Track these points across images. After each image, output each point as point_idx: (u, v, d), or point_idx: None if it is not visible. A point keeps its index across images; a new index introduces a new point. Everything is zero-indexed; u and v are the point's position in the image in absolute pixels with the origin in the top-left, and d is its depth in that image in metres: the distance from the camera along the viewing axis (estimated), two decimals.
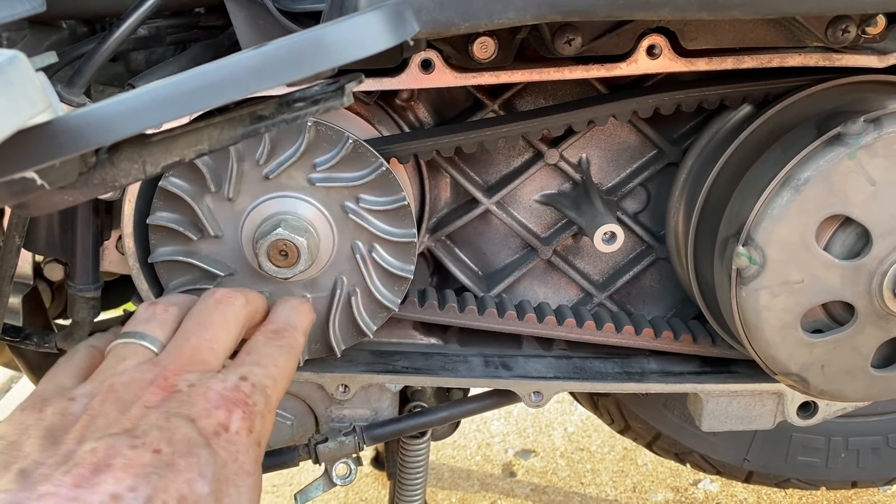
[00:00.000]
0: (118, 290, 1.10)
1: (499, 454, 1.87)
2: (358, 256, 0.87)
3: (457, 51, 0.81)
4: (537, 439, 1.92)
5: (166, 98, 0.47)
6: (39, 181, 0.46)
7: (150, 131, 0.54)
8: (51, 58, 0.67)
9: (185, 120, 0.64)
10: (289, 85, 0.58)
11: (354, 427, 0.97)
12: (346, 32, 0.49)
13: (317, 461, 0.97)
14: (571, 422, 1.96)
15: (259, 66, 0.48)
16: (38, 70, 0.45)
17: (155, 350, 0.62)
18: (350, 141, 0.82)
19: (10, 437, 0.53)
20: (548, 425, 1.96)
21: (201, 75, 0.48)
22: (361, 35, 0.49)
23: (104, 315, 1.13)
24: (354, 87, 0.54)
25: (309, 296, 0.89)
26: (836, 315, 0.85)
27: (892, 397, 0.89)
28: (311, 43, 0.49)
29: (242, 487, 0.54)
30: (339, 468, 0.98)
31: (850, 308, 0.83)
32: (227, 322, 0.65)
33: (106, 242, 0.92)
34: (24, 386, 2.15)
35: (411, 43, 0.51)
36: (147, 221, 0.84)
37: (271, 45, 0.48)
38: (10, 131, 0.42)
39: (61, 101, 0.73)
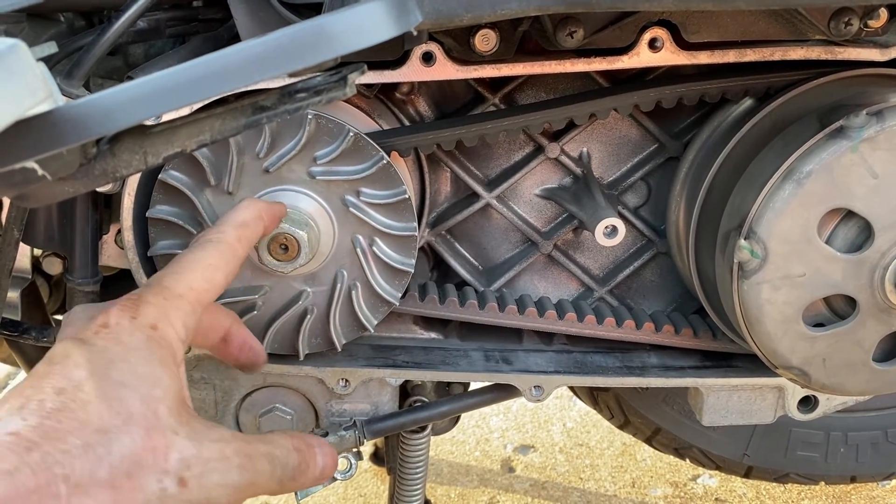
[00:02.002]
0: (117, 284, 1.09)
1: (498, 449, 1.87)
2: (358, 250, 0.86)
3: (458, 43, 0.81)
4: (536, 435, 1.92)
5: (168, 88, 0.47)
6: (40, 171, 0.45)
7: (151, 122, 0.53)
8: (51, 48, 0.67)
9: (187, 111, 0.64)
10: (291, 75, 0.58)
11: (355, 421, 0.97)
12: (349, 22, 0.49)
13: None
14: (570, 417, 1.96)
15: (262, 55, 0.48)
16: (38, 60, 0.45)
17: None
18: (351, 134, 0.82)
19: None
20: (547, 421, 1.96)
21: (203, 65, 0.47)
22: (364, 24, 0.49)
23: None
24: (357, 77, 0.53)
25: (310, 290, 0.88)
26: (838, 309, 0.85)
27: (893, 391, 0.89)
28: (314, 32, 0.48)
29: (134, 360, 0.53)
30: (340, 463, 0.97)
31: (851, 302, 0.83)
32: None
33: (105, 236, 0.92)
34: None
35: (414, 33, 0.51)
36: (147, 215, 0.84)
37: (274, 35, 0.48)
38: (11, 120, 0.41)
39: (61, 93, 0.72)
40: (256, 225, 0.69)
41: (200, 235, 0.65)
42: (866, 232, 0.80)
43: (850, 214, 0.80)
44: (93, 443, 0.48)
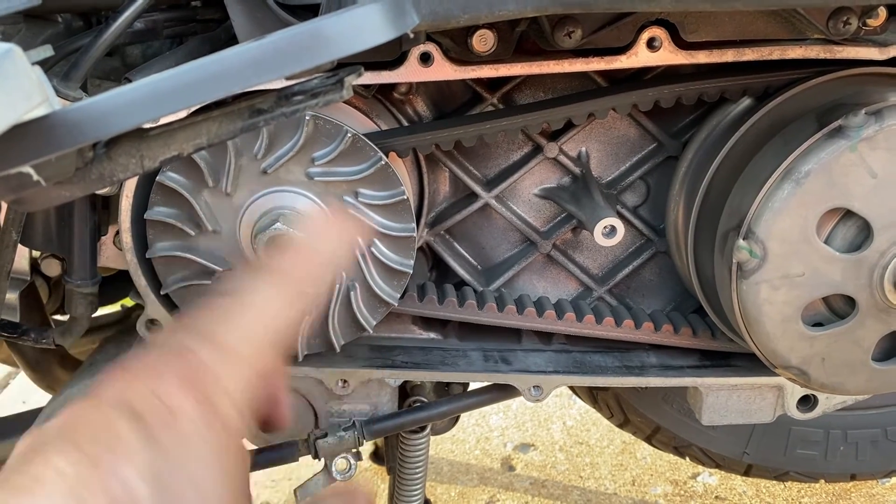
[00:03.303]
0: (116, 285, 1.09)
1: (498, 448, 1.87)
2: (357, 251, 0.86)
3: (456, 44, 0.81)
4: (536, 433, 1.92)
5: (164, 91, 0.47)
6: (36, 176, 0.45)
7: (147, 125, 0.53)
8: (47, 51, 0.66)
9: (184, 114, 0.63)
10: (288, 78, 0.57)
11: (354, 422, 0.97)
12: (345, 24, 0.48)
13: (316, 456, 0.97)
14: (570, 416, 1.96)
15: (258, 58, 0.48)
16: (34, 64, 0.44)
17: None
18: (349, 135, 0.81)
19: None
20: (547, 419, 1.96)
21: (200, 68, 0.47)
22: (361, 27, 0.49)
23: (102, 311, 1.13)
24: (354, 80, 0.53)
25: None
26: (837, 308, 0.85)
27: (892, 390, 0.89)
28: (311, 35, 0.48)
29: (198, 473, 0.45)
30: (339, 463, 0.97)
31: (850, 301, 0.83)
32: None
33: (103, 238, 0.92)
34: (22, 382, 2.15)
35: (411, 35, 0.51)
36: (145, 216, 0.84)
37: (270, 38, 0.48)
38: (6, 126, 0.41)
39: (57, 95, 0.72)
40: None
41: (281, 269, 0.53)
42: (865, 231, 0.80)
43: (848, 214, 0.80)
44: None
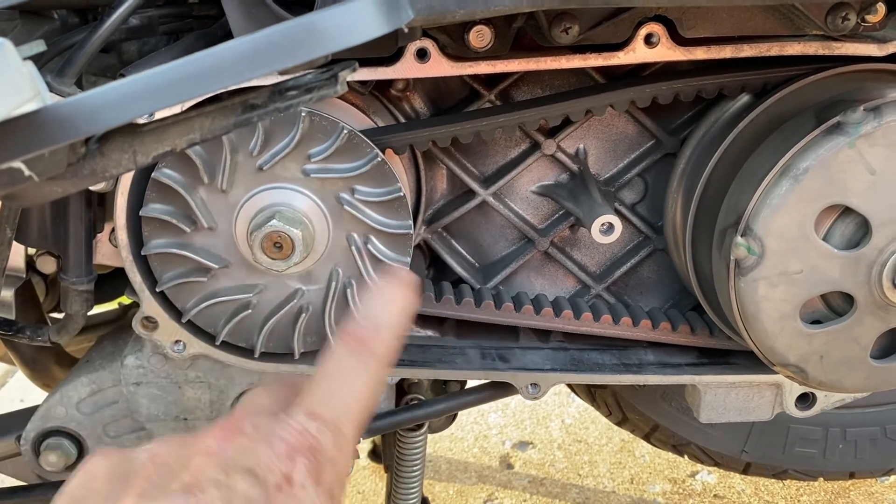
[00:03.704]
0: (112, 283, 1.09)
1: (496, 446, 1.87)
2: (353, 248, 0.86)
3: (453, 39, 0.81)
4: (535, 431, 1.91)
5: (157, 86, 0.46)
6: (27, 172, 0.45)
7: (141, 121, 0.53)
8: (39, 46, 0.66)
9: (177, 109, 0.63)
10: (282, 73, 0.57)
11: None
12: (339, 19, 0.48)
13: None
14: (569, 413, 1.96)
15: (251, 53, 0.47)
16: (25, 58, 0.44)
17: None
18: (345, 131, 0.81)
19: (75, 494, 0.50)
20: (545, 417, 1.96)
21: (192, 63, 0.47)
22: (355, 21, 0.48)
23: (98, 308, 1.12)
24: (348, 75, 0.53)
25: (305, 288, 0.88)
26: (835, 306, 0.85)
27: (891, 388, 0.89)
28: (305, 29, 0.48)
29: None
30: None
31: (849, 298, 0.82)
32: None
33: (99, 235, 0.91)
34: (20, 380, 2.15)
35: (406, 30, 0.51)
36: (140, 213, 0.84)
37: (264, 32, 0.47)
38: None
39: (51, 91, 0.72)
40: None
41: (374, 341, 0.55)
42: (864, 228, 0.79)
43: (847, 211, 0.80)
44: None
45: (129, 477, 0.50)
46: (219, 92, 0.51)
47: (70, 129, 0.45)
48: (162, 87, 0.46)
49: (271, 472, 0.49)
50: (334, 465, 0.51)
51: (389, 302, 0.57)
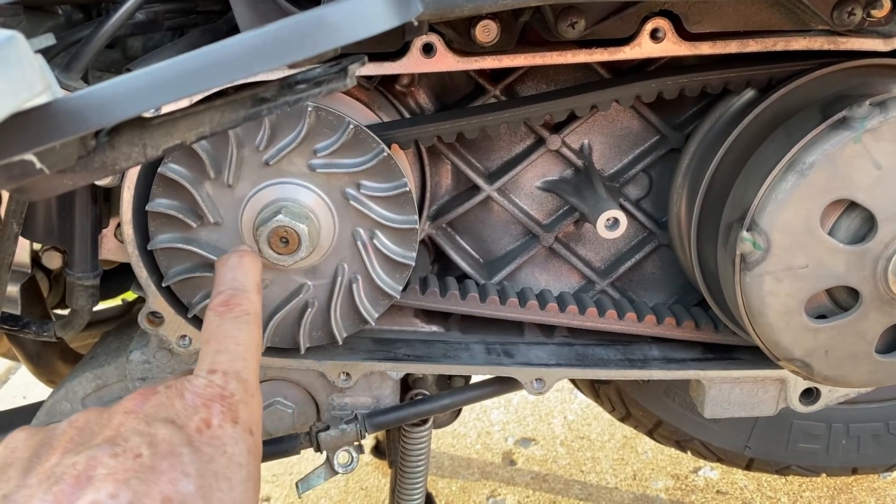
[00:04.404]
0: (117, 278, 1.09)
1: (499, 442, 1.87)
2: (359, 243, 0.86)
3: (459, 34, 0.80)
4: (537, 427, 1.92)
5: (167, 79, 0.46)
6: (38, 164, 0.45)
7: (150, 114, 0.53)
8: (48, 40, 0.66)
9: (186, 102, 0.63)
10: (291, 67, 0.57)
11: (356, 415, 0.97)
12: (349, 12, 0.48)
13: (318, 449, 0.96)
14: (571, 410, 1.96)
15: (261, 46, 0.47)
16: (36, 52, 0.44)
17: None
18: (351, 126, 0.81)
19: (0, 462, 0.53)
20: (548, 413, 1.96)
21: (203, 56, 0.47)
22: (365, 14, 0.48)
23: (103, 304, 1.12)
24: (357, 68, 0.53)
25: (310, 283, 0.88)
26: (841, 300, 0.85)
27: (895, 383, 0.89)
28: (314, 22, 0.48)
29: (235, 479, 0.53)
30: (341, 456, 0.97)
31: (854, 293, 0.82)
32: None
33: (105, 230, 0.91)
34: (23, 376, 2.15)
35: (415, 23, 0.51)
36: (146, 208, 0.84)
37: (272, 26, 0.48)
38: (8, 113, 0.41)
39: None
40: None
41: (237, 300, 0.65)
42: (869, 223, 0.79)
43: (852, 205, 0.80)
44: None
45: (52, 441, 0.54)
46: (227, 86, 0.51)
47: (81, 122, 0.45)
48: (172, 81, 0.46)
49: (189, 418, 0.55)
50: (247, 405, 0.58)
51: (237, 268, 0.68)
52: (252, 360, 0.61)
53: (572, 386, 1.59)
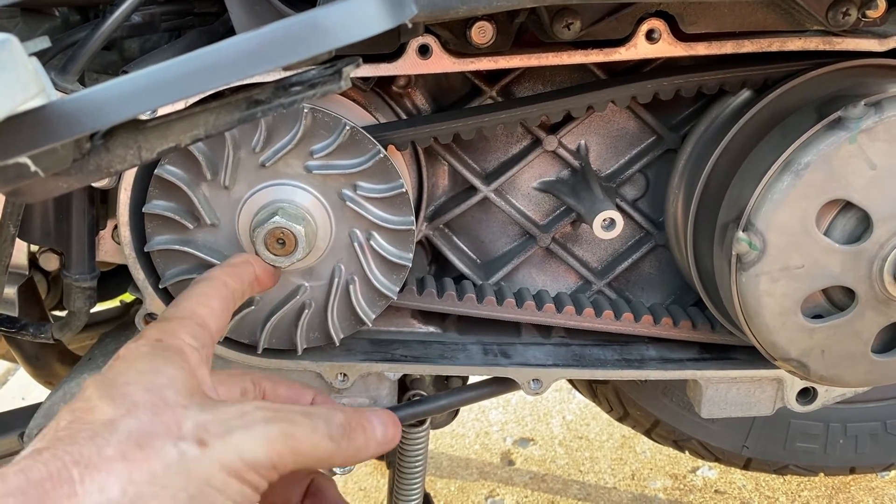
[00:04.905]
0: (115, 280, 1.09)
1: (497, 443, 1.87)
2: (356, 244, 0.86)
3: (455, 36, 0.81)
4: (536, 428, 1.92)
5: (161, 82, 0.46)
6: (33, 167, 0.45)
7: (145, 116, 0.53)
8: (43, 42, 0.66)
9: (181, 105, 0.63)
10: (285, 69, 0.57)
11: None
12: (343, 14, 0.48)
13: None
14: (570, 410, 1.96)
15: (255, 48, 0.47)
16: (30, 54, 0.44)
17: None
18: (347, 128, 0.81)
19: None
20: (546, 414, 1.96)
21: (197, 59, 0.47)
22: (359, 17, 0.48)
23: (101, 306, 1.13)
24: (352, 70, 0.53)
25: (307, 284, 0.88)
26: (837, 300, 0.85)
27: (892, 382, 0.89)
28: (308, 25, 0.48)
29: (138, 365, 0.56)
30: None
31: (850, 293, 0.82)
32: None
33: (102, 232, 0.91)
34: (21, 378, 2.15)
35: (409, 25, 0.51)
36: (143, 210, 0.84)
37: (267, 28, 0.48)
38: (2, 116, 0.41)
39: (55, 88, 0.72)
40: (244, 266, 0.73)
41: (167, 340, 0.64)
42: (865, 223, 0.79)
43: (848, 206, 0.80)
44: (99, 431, 0.50)
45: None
46: (222, 88, 0.51)
47: (75, 125, 0.45)
48: (166, 84, 0.47)
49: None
50: (154, 329, 0.60)
51: (234, 256, 0.75)
52: (182, 301, 0.64)
53: (571, 386, 1.59)
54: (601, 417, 1.90)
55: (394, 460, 1.15)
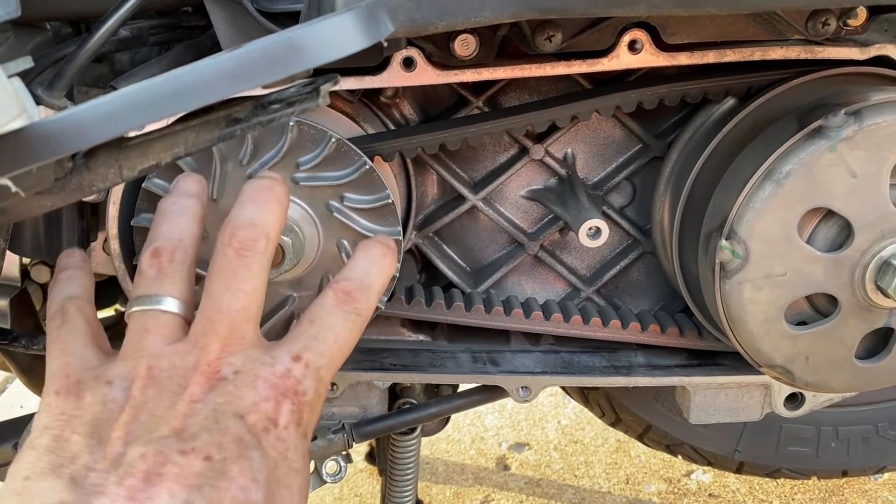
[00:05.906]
0: (107, 290, 1.10)
1: (493, 448, 1.88)
2: (344, 255, 0.87)
3: (438, 48, 0.81)
4: (531, 432, 1.92)
5: (140, 103, 0.47)
6: (14, 188, 0.46)
7: (126, 135, 0.54)
8: (26, 63, 0.67)
9: (162, 123, 0.64)
10: (264, 87, 0.58)
11: (343, 424, 0.98)
12: (319, 34, 0.49)
13: None
14: (565, 415, 1.97)
15: (233, 69, 0.48)
16: (11, 76, 0.45)
17: (176, 312, 0.58)
18: (333, 140, 0.82)
19: (53, 430, 0.52)
20: (541, 418, 1.96)
21: (175, 79, 0.48)
22: (335, 36, 0.49)
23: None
24: (329, 88, 0.54)
25: (296, 295, 0.89)
26: (820, 307, 0.86)
27: (876, 388, 0.90)
28: (285, 45, 0.49)
29: (293, 487, 0.52)
30: (329, 466, 0.98)
31: (833, 300, 0.83)
32: (255, 279, 0.58)
33: (92, 244, 0.92)
34: (19, 386, 2.16)
35: (385, 44, 0.52)
36: (132, 223, 0.85)
37: (245, 48, 0.49)
38: None
39: (41, 103, 0.73)
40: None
41: (360, 296, 0.60)
42: (846, 231, 0.80)
43: (829, 214, 0.81)
44: None
45: (108, 416, 0.52)
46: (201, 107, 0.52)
47: (56, 146, 0.46)
48: (146, 104, 0.47)
49: (257, 414, 0.52)
50: (312, 409, 0.55)
51: (377, 263, 0.62)
52: (337, 361, 0.58)
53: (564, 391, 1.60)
54: (596, 422, 1.90)
55: (386, 467, 1.16)
